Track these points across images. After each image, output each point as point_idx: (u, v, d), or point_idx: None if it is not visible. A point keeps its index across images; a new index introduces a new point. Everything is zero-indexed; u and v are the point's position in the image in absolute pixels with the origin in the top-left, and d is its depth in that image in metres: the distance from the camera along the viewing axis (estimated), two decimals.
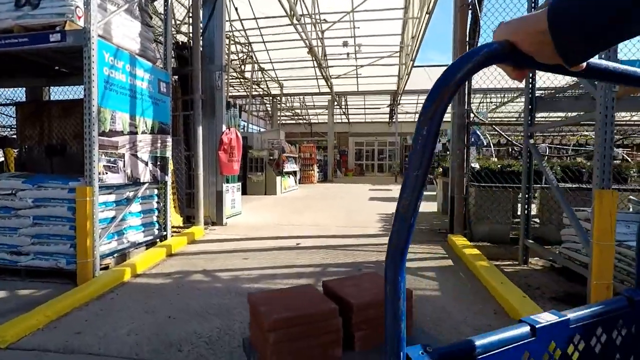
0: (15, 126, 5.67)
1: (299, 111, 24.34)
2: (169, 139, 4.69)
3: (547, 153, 10.47)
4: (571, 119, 4.49)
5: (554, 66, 0.50)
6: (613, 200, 2.48)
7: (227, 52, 6.99)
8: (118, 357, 2.12)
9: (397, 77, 17.55)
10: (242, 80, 15.63)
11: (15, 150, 6.02)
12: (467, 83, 5.07)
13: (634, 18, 0.41)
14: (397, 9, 12.60)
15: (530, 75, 4.00)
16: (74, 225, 3.33)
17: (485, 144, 10.02)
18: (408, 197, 0.49)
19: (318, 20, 12.37)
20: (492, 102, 17.97)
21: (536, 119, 4.14)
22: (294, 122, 25.59)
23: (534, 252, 4.16)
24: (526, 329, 0.64)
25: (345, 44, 13.71)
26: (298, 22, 9.92)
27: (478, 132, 8.10)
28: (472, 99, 5.13)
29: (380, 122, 26.03)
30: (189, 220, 5.73)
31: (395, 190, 13.04)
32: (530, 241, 4.04)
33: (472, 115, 5.03)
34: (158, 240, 4.50)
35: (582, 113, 4.19)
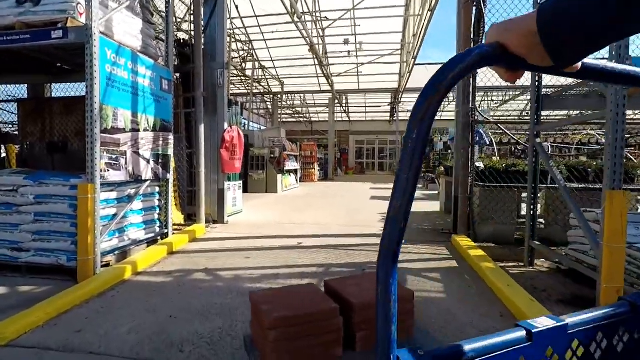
0: (17, 123, 5.64)
1: (299, 109, 24.29)
2: (171, 137, 4.65)
3: (549, 152, 10.41)
4: (580, 118, 4.44)
5: (546, 67, 0.49)
6: (624, 201, 2.43)
7: (228, 49, 6.94)
8: (119, 357, 2.08)
9: (398, 75, 17.49)
10: (242, 78, 15.59)
11: (17, 147, 6.00)
12: (471, 81, 5.02)
13: (621, 19, 0.41)
14: (398, 6, 12.54)
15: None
16: (75, 223, 3.30)
17: (487, 142, 9.99)
18: (399, 199, 0.49)
19: (319, 18, 12.32)
20: (492, 101, 17.90)
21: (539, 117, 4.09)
22: (294, 120, 25.54)
23: (540, 253, 4.12)
24: (522, 333, 0.62)
25: (346, 42, 13.66)
26: (299, 20, 9.87)
27: (481, 130, 8.06)
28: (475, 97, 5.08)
29: (381, 120, 25.97)
30: (190, 218, 5.69)
31: None
32: (537, 242, 4.00)
33: (476, 113, 4.98)
34: (159, 238, 4.47)
35: (590, 111, 4.14)
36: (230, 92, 13.96)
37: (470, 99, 4.97)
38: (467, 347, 0.58)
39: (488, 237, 4.80)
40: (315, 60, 13.62)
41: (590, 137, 12.00)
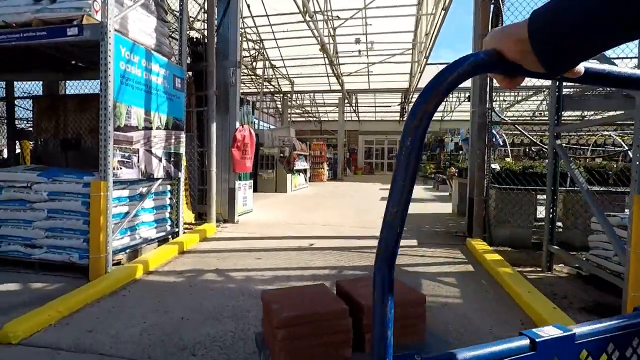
0: (31, 119, 5.69)
1: (309, 109, 24.24)
2: (183, 135, 4.63)
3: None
4: (605, 119, 4.28)
5: (545, 73, 0.49)
6: None
7: (240, 48, 6.90)
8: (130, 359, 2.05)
9: (408, 75, 17.32)
10: (253, 77, 15.59)
11: (31, 143, 6.05)
12: (488, 81, 4.90)
13: (609, 29, 0.41)
14: (410, 5, 12.39)
15: None
16: (87, 220, 3.29)
17: (501, 143, 9.81)
18: (395, 205, 0.49)
19: (330, 17, 12.24)
20: (504, 101, 17.63)
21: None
22: (303, 119, 25.50)
23: (559, 258, 4.00)
24: (525, 342, 0.60)
25: (357, 41, 13.56)
26: (311, 19, 9.81)
27: (494, 131, 7.91)
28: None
29: (391, 120, 25.79)
30: (201, 217, 5.68)
31: None
32: (556, 247, 3.88)
33: (493, 114, 4.86)
34: (170, 237, 4.46)
35: (615, 113, 3.99)
36: (241, 91, 13.98)
37: (487, 99, 4.85)
38: (467, 354, 0.56)
39: (504, 240, 4.68)
40: (326, 59, 13.54)
41: (605, 138, 11.72)
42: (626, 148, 8.77)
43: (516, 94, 17.46)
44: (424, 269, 3.79)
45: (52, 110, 4.95)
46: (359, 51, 14.40)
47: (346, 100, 20.14)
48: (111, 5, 3.22)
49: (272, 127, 20.43)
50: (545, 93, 16.18)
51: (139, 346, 2.18)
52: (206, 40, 5.49)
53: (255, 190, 9.16)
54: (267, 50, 14.99)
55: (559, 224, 4.86)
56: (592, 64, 0.52)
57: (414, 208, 8.13)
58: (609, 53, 3.88)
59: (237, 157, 5.63)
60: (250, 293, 2.97)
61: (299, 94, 20.91)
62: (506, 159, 8.24)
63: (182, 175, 4.64)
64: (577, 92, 4.46)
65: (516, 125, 5.06)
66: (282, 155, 11.65)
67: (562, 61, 0.46)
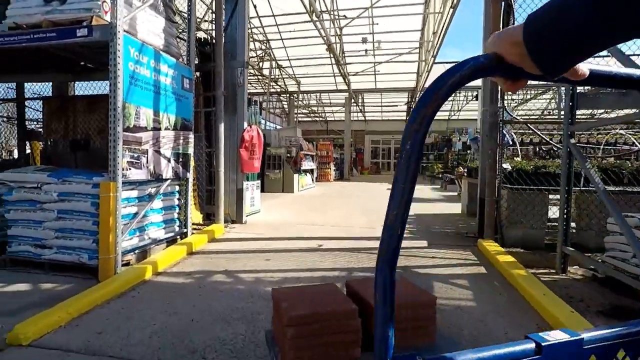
0: (41, 120, 5.72)
1: (315, 109, 24.20)
2: (191, 135, 4.62)
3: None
4: (624, 117, 4.18)
5: (549, 76, 0.48)
6: None
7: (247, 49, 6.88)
8: None
9: (415, 74, 17.20)
10: (259, 77, 15.60)
11: (41, 144, 6.10)
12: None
13: (600, 31, 0.41)
14: (417, 4, 12.30)
15: None
16: (97, 221, 3.29)
17: (510, 143, 9.69)
18: (395, 208, 0.50)
19: (337, 17, 12.20)
20: (512, 100, 17.42)
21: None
22: (310, 119, 25.48)
23: (573, 260, 3.91)
24: (531, 345, 0.59)
25: (364, 41, 13.50)
26: (317, 19, 9.78)
27: (504, 130, 7.80)
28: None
29: (397, 120, 25.65)
30: (209, 217, 5.67)
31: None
32: (570, 248, 3.79)
33: (505, 113, 4.78)
34: (178, 237, 4.45)
35: (631, 110, 3.89)
36: (247, 91, 13.97)
37: (498, 98, 4.77)
38: (471, 356, 0.56)
39: (516, 241, 4.60)
40: (332, 59, 13.50)
41: (617, 137, 11.50)
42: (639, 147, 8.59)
43: (525, 92, 17.26)
44: (436, 270, 3.73)
45: (61, 111, 4.97)
46: (366, 50, 14.33)
47: (352, 100, 20.07)
48: (120, 6, 3.21)
49: (278, 127, 20.45)
50: (554, 91, 15.99)
51: (148, 348, 2.15)
52: (214, 41, 5.48)
53: (262, 190, 9.15)
54: (274, 50, 14.99)
55: (572, 224, 4.77)
56: (598, 65, 0.52)
57: (422, 208, 8.05)
58: (625, 49, 3.79)
59: (245, 158, 5.61)
60: (260, 295, 2.94)
61: (305, 94, 20.88)
62: (515, 158, 8.12)
63: (190, 175, 4.63)
64: (591, 90, 4.36)
65: (528, 125, 4.96)
66: (289, 155, 11.63)
67: (557, 63, 0.46)
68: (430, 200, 10.04)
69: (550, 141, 5.23)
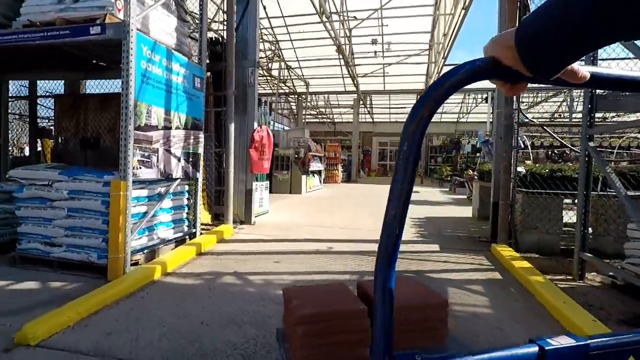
0: (52, 118, 5.75)
1: (323, 110, 24.16)
2: (202, 135, 4.59)
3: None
4: None
5: (549, 79, 0.48)
6: None
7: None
8: None
9: (425, 76, 17.07)
10: (268, 78, 15.60)
11: (52, 141, 6.13)
12: None
13: (600, 31, 0.41)
14: (427, 5, 12.20)
15: None
16: (106, 220, 3.26)
17: (522, 146, 9.54)
18: (394, 208, 0.51)
19: (346, 18, 12.15)
20: (522, 102, 17.17)
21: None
22: (317, 120, 25.43)
23: (590, 266, 3.80)
24: (534, 349, 0.58)
25: (374, 42, 13.42)
26: (327, 20, 9.74)
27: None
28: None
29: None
30: (217, 217, 5.64)
31: (422, 192, 12.64)
32: (588, 254, 3.68)
33: (520, 115, 4.68)
34: (187, 237, 4.42)
35: None
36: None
37: (513, 100, 4.67)
38: (472, 358, 0.55)
39: (531, 246, 4.48)
40: (342, 60, 13.45)
41: (630, 140, 11.26)
42: None
43: (535, 95, 17.04)
44: (449, 275, 3.65)
45: (73, 109, 4.98)
46: (375, 52, 14.25)
47: (361, 102, 19.99)
48: (133, 4, 3.19)
49: (286, 128, 20.45)
50: (565, 94, 15.75)
51: (158, 351, 2.11)
52: (225, 40, 5.46)
53: (270, 191, 9.12)
54: (283, 51, 14.98)
55: (589, 230, 4.64)
56: (600, 68, 0.52)
57: (432, 211, 7.95)
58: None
59: (254, 158, 5.57)
60: (271, 298, 2.88)
61: (313, 95, 20.84)
62: (526, 161, 7.99)
63: (200, 175, 4.59)
64: (611, 92, 4.25)
65: (544, 127, 4.85)
66: (297, 156, 11.59)
67: (546, 65, 0.46)
68: (440, 203, 9.92)
69: (567, 144, 5.10)
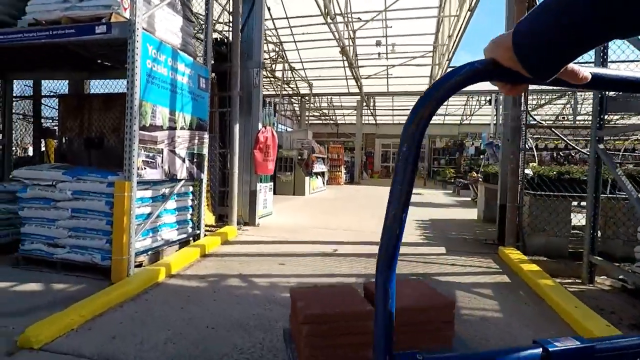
0: (56, 118, 5.73)
1: (326, 111, 24.13)
2: (206, 136, 4.56)
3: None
4: None
5: (550, 80, 0.49)
6: None
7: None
8: None
9: (429, 78, 17.01)
10: (271, 79, 15.60)
11: (56, 142, 6.11)
12: None
13: (600, 31, 0.41)
14: (431, 7, 12.15)
15: None
16: (110, 220, 3.23)
17: (527, 148, 9.45)
18: (394, 208, 0.51)
19: (350, 20, 12.12)
20: (525, 104, 17.07)
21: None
22: (320, 122, 25.40)
23: (600, 269, 3.74)
24: (537, 350, 0.57)
25: (378, 44, 13.39)
26: (332, 21, 9.71)
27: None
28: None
29: None
30: (221, 219, 5.60)
31: (425, 194, 12.58)
32: (598, 257, 3.63)
33: (528, 117, 4.62)
34: (191, 239, 4.38)
35: None
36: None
37: (521, 101, 4.62)
38: (474, 358, 0.57)
39: (538, 249, 4.42)
40: (345, 62, 13.42)
41: (635, 143, 11.17)
42: None
43: (539, 97, 16.96)
44: (457, 279, 3.59)
45: (77, 109, 4.96)
46: (379, 54, 14.21)
47: (364, 103, 19.95)
48: (140, 3, 3.16)
49: (288, 129, 20.43)
50: (569, 96, 15.66)
51: (163, 355, 2.07)
52: (230, 41, 5.44)
53: (273, 192, 9.08)
54: (286, 53, 14.97)
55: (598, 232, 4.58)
56: (601, 69, 0.52)
57: (436, 214, 7.89)
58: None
59: (259, 159, 5.54)
60: (277, 301, 2.83)
61: (316, 97, 20.82)
62: (531, 164, 7.92)
63: (204, 176, 4.56)
64: (621, 93, 4.20)
65: (553, 129, 4.80)
66: (300, 157, 11.55)
67: (543, 65, 0.46)
68: (444, 206, 9.85)
69: (577, 147, 5.05)
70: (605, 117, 3.84)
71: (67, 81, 5.64)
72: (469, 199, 10.98)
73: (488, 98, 16.76)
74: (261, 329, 2.38)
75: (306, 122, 19.58)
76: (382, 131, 26.62)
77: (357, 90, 17.86)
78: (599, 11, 0.39)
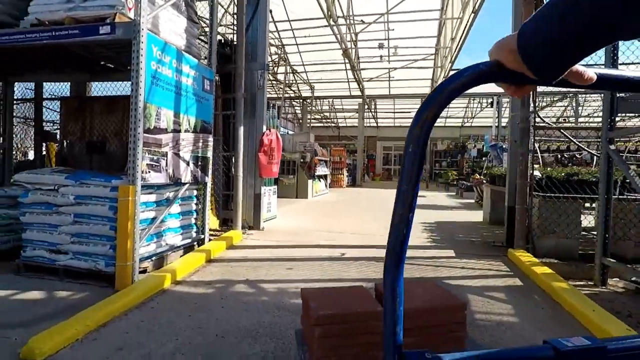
0: (57, 121, 5.66)
1: (327, 114, 24.10)
2: (211, 139, 4.50)
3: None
4: None
5: (556, 81, 0.48)
6: None
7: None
8: None
9: (430, 81, 16.99)
10: (273, 82, 15.56)
11: (57, 145, 6.05)
12: None
13: (600, 35, 0.41)
14: (433, 10, 12.13)
15: None
16: (114, 226, 3.15)
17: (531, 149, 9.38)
18: (401, 208, 0.52)
19: (352, 22, 12.09)
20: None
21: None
22: (322, 125, 25.36)
23: (612, 271, 3.68)
24: (548, 350, 0.57)
25: (381, 46, 13.37)
26: (334, 24, 9.67)
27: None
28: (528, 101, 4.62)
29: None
30: (225, 223, 5.52)
31: (428, 196, 12.51)
32: (611, 259, 3.56)
33: (536, 118, 4.56)
34: (196, 244, 4.30)
35: None
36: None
37: (530, 102, 4.56)
38: (482, 357, 0.55)
39: (548, 251, 4.35)
40: (347, 65, 13.38)
41: (637, 144, 11.11)
42: None
43: (540, 99, 16.93)
44: (468, 282, 3.51)
45: (79, 112, 4.89)
46: (381, 56, 14.19)
47: (366, 106, 19.91)
48: (144, 3, 3.10)
49: (290, 132, 20.38)
50: (570, 98, 15.63)
51: None
52: (234, 42, 5.38)
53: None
54: (288, 55, 14.94)
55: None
56: (607, 69, 0.52)
57: (441, 216, 7.81)
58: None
59: (263, 162, 5.47)
60: (286, 308, 2.75)
61: (318, 100, 20.78)
62: (536, 165, 7.86)
63: (209, 179, 4.49)
64: (633, 94, 4.15)
65: (561, 131, 4.73)
66: (303, 160, 11.48)
67: (548, 67, 0.46)
68: (448, 208, 9.78)
69: (586, 148, 4.98)
70: (598, 119, 3.80)
71: (69, 84, 5.59)
72: (473, 201, 10.91)
73: (490, 100, 16.72)
74: (272, 337, 2.31)
75: (308, 124, 19.52)
76: (383, 134, 26.57)
77: (359, 93, 17.83)
78: (601, 19, 0.40)
